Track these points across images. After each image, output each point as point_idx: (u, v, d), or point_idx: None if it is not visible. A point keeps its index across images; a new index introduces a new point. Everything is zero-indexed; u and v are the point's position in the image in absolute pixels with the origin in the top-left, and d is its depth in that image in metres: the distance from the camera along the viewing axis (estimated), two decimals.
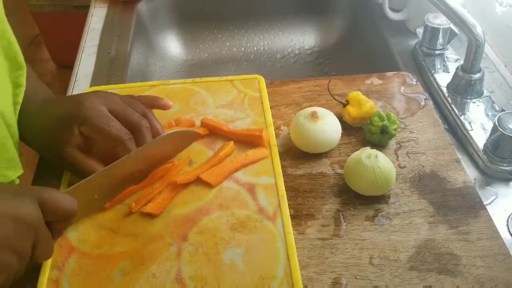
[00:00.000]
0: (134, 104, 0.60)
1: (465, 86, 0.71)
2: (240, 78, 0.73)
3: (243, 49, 1.09)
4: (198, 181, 0.59)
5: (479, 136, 0.66)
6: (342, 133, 0.64)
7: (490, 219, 0.57)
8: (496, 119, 0.62)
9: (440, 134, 0.66)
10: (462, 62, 0.72)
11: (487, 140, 0.65)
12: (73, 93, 0.77)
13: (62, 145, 0.57)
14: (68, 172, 0.61)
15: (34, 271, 0.52)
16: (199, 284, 0.50)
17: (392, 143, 0.65)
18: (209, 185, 0.59)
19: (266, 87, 0.72)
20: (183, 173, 0.60)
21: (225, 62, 1.07)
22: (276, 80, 0.75)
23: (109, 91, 0.62)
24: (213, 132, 0.65)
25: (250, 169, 0.61)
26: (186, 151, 0.63)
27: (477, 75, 0.70)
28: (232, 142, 0.63)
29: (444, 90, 0.74)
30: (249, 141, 0.63)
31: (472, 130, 0.67)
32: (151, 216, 0.56)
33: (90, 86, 0.78)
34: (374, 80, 0.75)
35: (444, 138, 0.66)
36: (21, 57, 0.58)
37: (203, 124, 0.65)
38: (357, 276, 0.52)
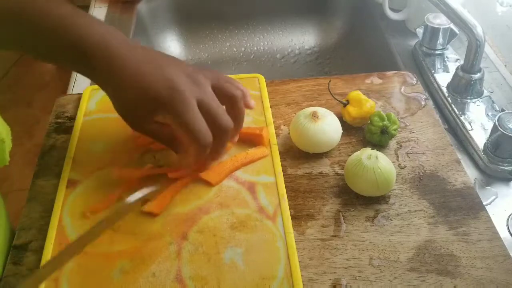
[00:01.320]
0: (228, 100, 0.54)
1: (465, 86, 0.71)
2: (240, 77, 0.73)
3: (243, 49, 1.09)
4: (198, 179, 0.59)
5: (479, 136, 0.66)
6: (342, 133, 0.64)
7: (490, 220, 0.56)
8: (496, 119, 0.62)
9: (440, 134, 0.66)
10: (462, 62, 0.72)
11: (487, 140, 0.65)
12: (73, 92, 0.77)
13: (141, 119, 0.52)
14: (67, 170, 0.61)
15: (33, 270, 0.52)
16: (199, 283, 0.50)
17: (392, 143, 0.65)
18: (209, 184, 0.59)
19: (266, 86, 0.72)
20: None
21: (225, 62, 1.07)
22: (276, 80, 0.75)
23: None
24: None
25: (250, 168, 0.61)
26: None
27: (477, 75, 0.70)
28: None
29: (444, 90, 0.74)
30: (249, 139, 0.63)
31: (472, 130, 0.67)
32: (151, 214, 0.56)
33: (90, 85, 0.78)
34: (374, 80, 0.75)
35: (444, 138, 0.66)
36: None
37: None
38: (357, 277, 0.52)
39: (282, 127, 0.68)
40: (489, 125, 0.66)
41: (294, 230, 0.55)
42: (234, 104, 0.55)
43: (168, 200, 0.57)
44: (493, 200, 0.61)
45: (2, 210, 0.61)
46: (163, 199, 0.57)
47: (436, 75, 0.77)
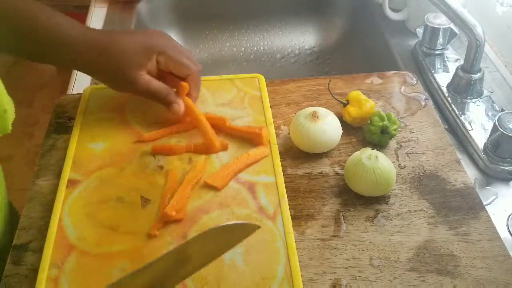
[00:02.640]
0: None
1: (465, 86, 0.71)
2: (240, 77, 0.73)
3: (243, 49, 1.09)
4: (203, 182, 0.59)
5: (479, 136, 0.66)
6: (342, 133, 0.64)
7: (490, 220, 0.56)
8: (496, 119, 0.62)
9: (440, 134, 0.66)
10: (462, 62, 0.72)
11: (487, 140, 0.65)
12: (73, 92, 0.77)
13: (137, 68, 0.61)
14: (67, 170, 0.61)
15: (32, 270, 0.52)
16: (199, 283, 0.50)
17: (392, 143, 0.65)
18: (215, 188, 0.59)
19: (266, 86, 0.72)
20: (186, 171, 0.60)
21: (225, 62, 1.07)
22: (276, 80, 0.75)
23: None
24: (214, 128, 0.64)
25: (250, 168, 0.61)
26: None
27: (477, 75, 0.70)
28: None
29: (444, 90, 0.74)
30: (249, 139, 0.63)
31: (472, 130, 0.67)
32: (176, 221, 0.55)
33: (90, 85, 0.78)
34: (374, 80, 0.75)
35: (444, 138, 0.66)
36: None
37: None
38: (357, 277, 0.52)
39: (282, 127, 0.68)
40: (489, 125, 0.66)
41: (294, 230, 0.55)
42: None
43: (187, 202, 0.57)
44: (493, 200, 0.61)
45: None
46: (181, 201, 0.56)
47: (436, 75, 0.77)
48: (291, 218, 0.56)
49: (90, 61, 0.60)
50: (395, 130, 0.63)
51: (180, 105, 0.63)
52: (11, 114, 0.59)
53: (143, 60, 0.61)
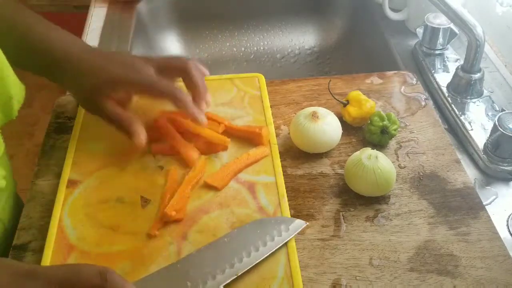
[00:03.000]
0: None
1: (465, 86, 0.71)
2: (240, 77, 0.73)
3: (243, 49, 1.09)
4: (203, 182, 0.59)
5: (479, 136, 0.66)
6: (342, 133, 0.64)
7: (490, 220, 0.56)
8: (496, 119, 0.62)
9: (440, 134, 0.66)
10: (462, 62, 0.72)
11: (487, 140, 0.65)
12: None
13: (104, 96, 0.59)
14: (67, 170, 0.61)
15: None
16: None
17: (392, 143, 0.65)
18: (215, 189, 0.59)
19: (266, 86, 0.72)
20: (186, 171, 0.60)
21: (225, 62, 1.07)
22: (276, 80, 0.75)
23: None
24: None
25: (250, 168, 0.61)
26: None
27: (477, 75, 0.70)
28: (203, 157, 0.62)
29: (444, 90, 0.74)
30: (248, 138, 0.63)
31: (472, 130, 0.67)
32: (176, 221, 0.55)
33: None
34: (374, 80, 0.75)
35: (444, 138, 0.66)
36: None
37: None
38: (357, 277, 0.52)
39: (282, 127, 0.68)
40: (489, 125, 0.66)
41: None
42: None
43: (187, 202, 0.57)
44: (493, 200, 0.61)
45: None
46: (181, 201, 0.56)
47: (436, 75, 0.77)
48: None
49: (74, 80, 0.61)
50: (395, 130, 0.63)
51: (142, 140, 0.58)
52: (17, 101, 0.60)
53: (109, 91, 0.59)
